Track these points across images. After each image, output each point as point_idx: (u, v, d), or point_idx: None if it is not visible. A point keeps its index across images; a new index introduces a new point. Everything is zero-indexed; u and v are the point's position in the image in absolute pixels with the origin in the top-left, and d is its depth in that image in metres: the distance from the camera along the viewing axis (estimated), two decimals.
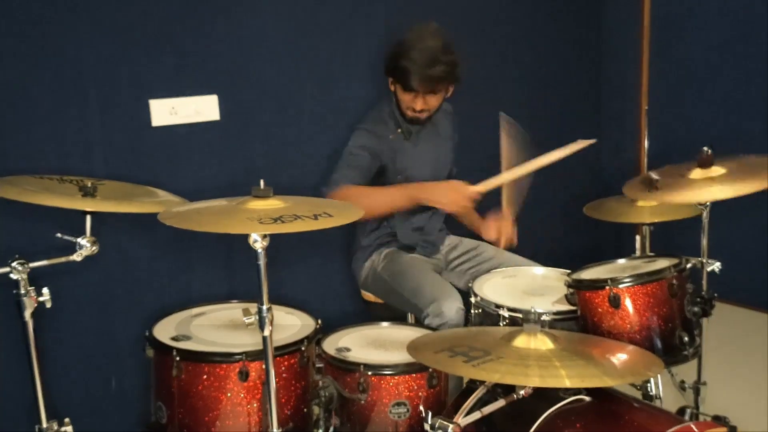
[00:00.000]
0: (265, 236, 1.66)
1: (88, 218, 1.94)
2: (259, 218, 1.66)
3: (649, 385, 2.24)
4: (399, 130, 2.55)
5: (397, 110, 2.57)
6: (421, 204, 2.46)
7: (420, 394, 1.98)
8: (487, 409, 1.70)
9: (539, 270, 2.54)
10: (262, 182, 1.81)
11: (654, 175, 2.25)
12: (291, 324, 2.18)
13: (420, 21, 2.85)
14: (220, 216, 1.80)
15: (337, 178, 2.48)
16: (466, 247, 2.77)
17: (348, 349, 2.10)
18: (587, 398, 1.76)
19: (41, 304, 1.87)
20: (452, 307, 2.30)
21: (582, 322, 2.07)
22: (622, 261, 2.29)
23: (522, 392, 1.72)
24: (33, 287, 1.85)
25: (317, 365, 2.07)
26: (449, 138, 2.77)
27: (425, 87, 2.45)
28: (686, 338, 2.02)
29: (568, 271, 2.23)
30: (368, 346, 2.14)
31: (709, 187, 2.09)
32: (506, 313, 2.14)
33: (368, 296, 2.73)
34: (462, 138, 2.91)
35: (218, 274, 2.69)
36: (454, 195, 2.38)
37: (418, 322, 2.41)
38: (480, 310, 2.27)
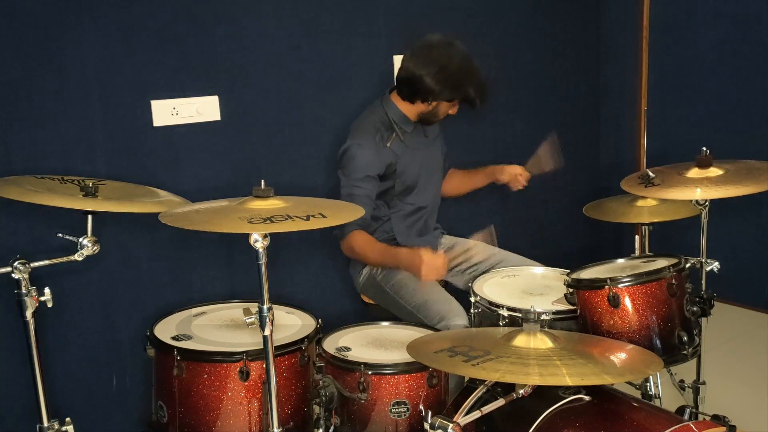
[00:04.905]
0: (265, 236, 1.66)
1: (90, 218, 1.94)
2: (250, 218, 1.67)
3: (648, 384, 2.25)
4: (394, 135, 2.54)
5: (396, 115, 2.55)
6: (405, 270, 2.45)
7: (420, 393, 1.99)
8: (487, 409, 1.70)
9: (539, 270, 2.54)
10: (262, 182, 1.82)
11: (651, 173, 2.26)
12: (291, 323, 2.18)
13: (420, 24, 2.85)
14: (212, 215, 1.81)
15: (345, 228, 2.46)
16: (463, 247, 2.76)
17: (348, 349, 2.11)
18: (587, 398, 1.77)
19: (42, 303, 1.87)
20: (460, 326, 2.30)
21: (581, 321, 2.07)
22: (621, 261, 2.30)
23: (522, 391, 1.72)
24: (34, 287, 1.86)
25: (318, 364, 2.08)
26: (437, 136, 2.76)
27: (484, 101, 2.56)
28: (685, 338, 2.02)
29: (568, 270, 2.24)
30: (368, 346, 2.14)
31: (705, 185, 2.09)
32: (506, 313, 2.15)
33: (367, 298, 2.73)
34: (460, 137, 2.91)
35: (219, 274, 2.70)
36: (428, 270, 2.30)
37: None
38: (480, 310, 2.28)
